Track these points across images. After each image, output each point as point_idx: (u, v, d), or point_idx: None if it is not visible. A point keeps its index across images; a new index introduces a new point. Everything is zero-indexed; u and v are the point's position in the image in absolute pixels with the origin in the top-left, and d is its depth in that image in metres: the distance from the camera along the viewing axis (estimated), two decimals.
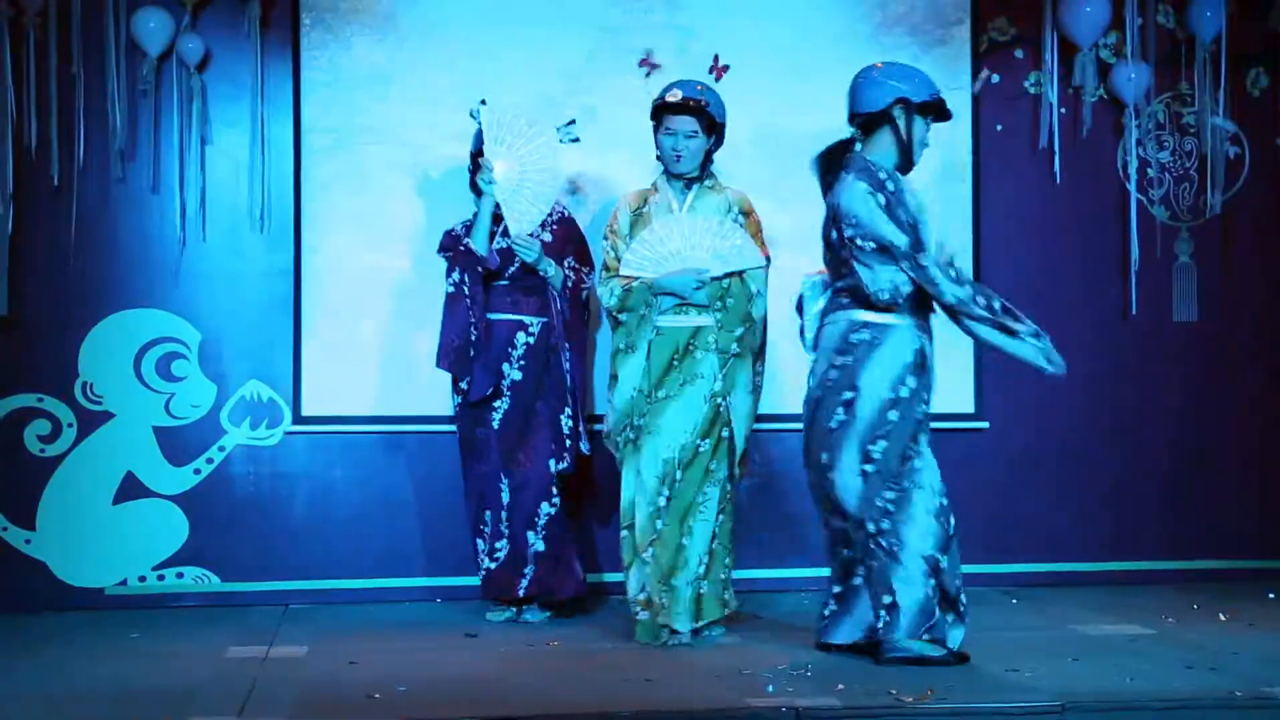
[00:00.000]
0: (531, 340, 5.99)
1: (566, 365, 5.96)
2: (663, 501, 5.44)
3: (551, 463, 5.98)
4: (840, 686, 4.65)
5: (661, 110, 5.57)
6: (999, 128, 6.94)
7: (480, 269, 5.90)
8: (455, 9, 6.57)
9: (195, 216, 6.44)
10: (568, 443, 6.00)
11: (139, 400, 6.37)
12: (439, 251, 6.06)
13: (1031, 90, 6.98)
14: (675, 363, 5.49)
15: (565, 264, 6.01)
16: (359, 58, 6.52)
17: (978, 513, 6.76)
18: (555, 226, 6.03)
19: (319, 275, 6.48)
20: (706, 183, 5.66)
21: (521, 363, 5.98)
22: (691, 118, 5.53)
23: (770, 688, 4.67)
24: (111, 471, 6.35)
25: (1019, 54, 6.97)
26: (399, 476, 6.52)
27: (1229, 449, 7.09)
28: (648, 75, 6.51)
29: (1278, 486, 7.13)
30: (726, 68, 6.21)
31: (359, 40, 6.52)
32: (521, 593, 5.94)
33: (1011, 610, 6.26)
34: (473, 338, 5.90)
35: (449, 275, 5.98)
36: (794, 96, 6.71)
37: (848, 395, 5.04)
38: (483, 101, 5.96)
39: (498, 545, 5.97)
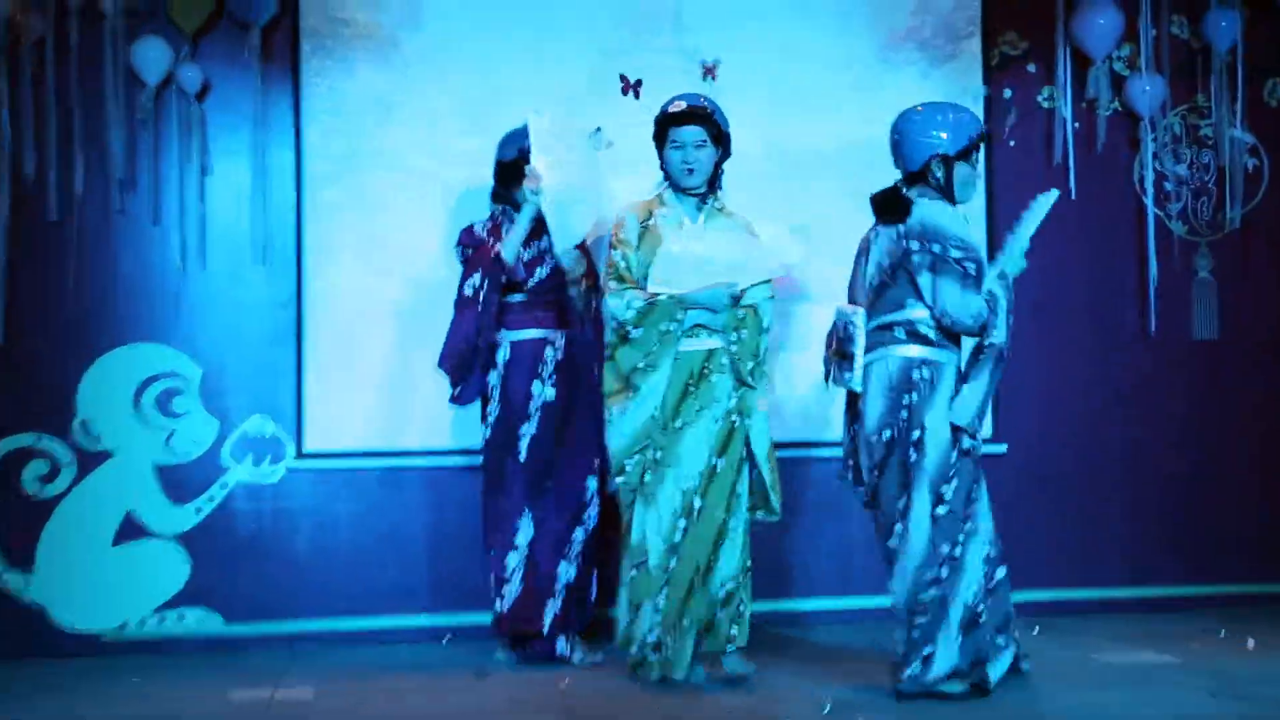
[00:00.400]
0: (560, 355, 5.85)
1: (599, 381, 5.71)
2: (678, 536, 5.26)
3: (591, 481, 5.84)
4: (860, 718, 4.64)
5: (666, 123, 5.43)
6: (1012, 143, 6.86)
7: (504, 278, 5.75)
8: (457, 33, 6.48)
9: (195, 247, 6.35)
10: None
11: (139, 437, 6.28)
12: (457, 246, 5.91)
13: (1045, 105, 6.90)
14: (691, 388, 5.32)
15: (583, 286, 5.94)
16: (360, 84, 6.44)
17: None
18: (577, 246, 5.91)
19: (322, 305, 6.40)
20: (715, 203, 5.52)
21: (553, 378, 5.83)
22: (699, 127, 5.39)
23: None
24: (111, 511, 6.25)
25: (1031, 68, 6.90)
26: (404, 511, 6.42)
27: (1255, 469, 7.00)
28: (635, 96, 6.25)
29: None
30: (717, 63, 5.99)
31: (360, 66, 6.44)
32: (545, 629, 5.78)
33: (1032, 639, 6.16)
34: (480, 345, 5.75)
35: (467, 278, 5.80)
36: (802, 117, 6.65)
37: (916, 435, 5.02)
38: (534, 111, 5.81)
39: (509, 587, 5.80)
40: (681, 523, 5.26)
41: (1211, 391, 6.97)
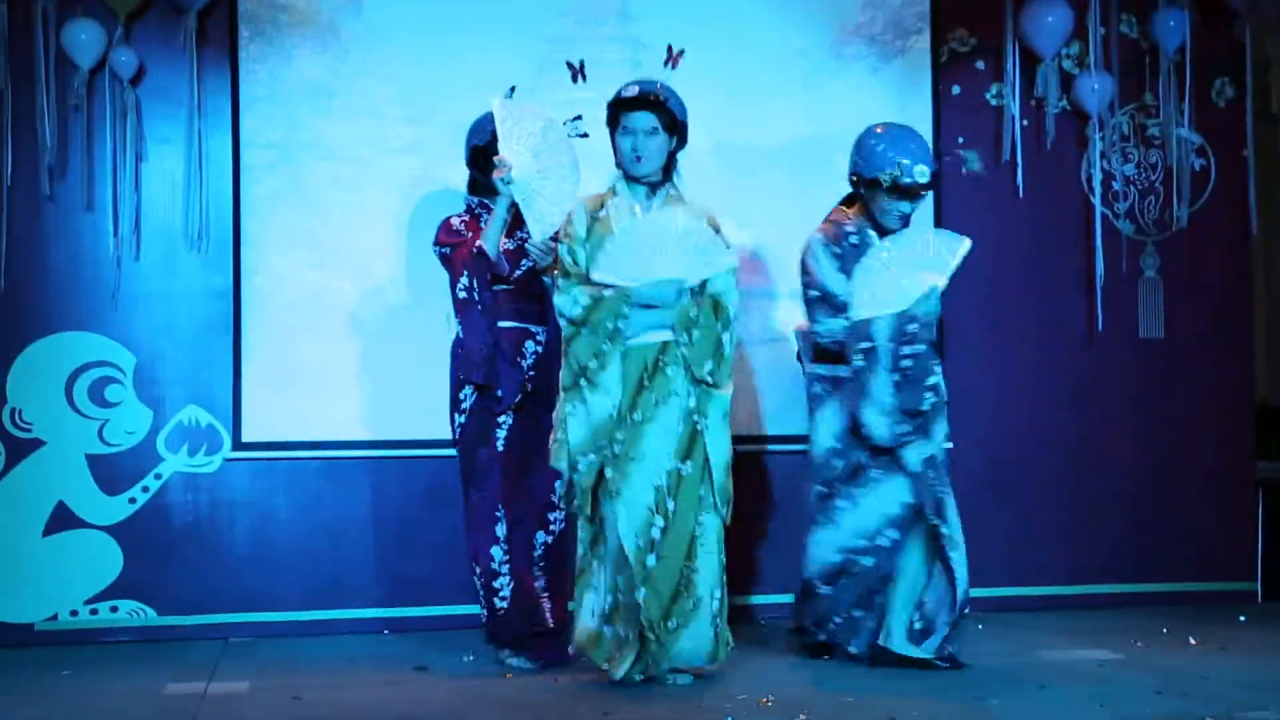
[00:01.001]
0: (541, 349, 5.67)
1: None
2: (657, 533, 5.06)
3: (559, 485, 5.48)
4: (801, 716, 4.58)
5: (617, 108, 5.23)
6: (960, 140, 6.83)
7: (488, 273, 5.55)
8: (399, 20, 6.40)
9: (129, 236, 6.24)
10: None
11: (71, 427, 6.17)
12: (435, 245, 5.70)
13: (993, 102, 6.88)
14: (646, 382, 5.14)
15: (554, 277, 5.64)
16: (300, 70, 6.35)
17: None
18: (552, 237, 5.58)
19: (259, 296, 6.30)
20: (670, 190, 5.31)
21: (532, 373, 5.64)
22: (650, 114, 5.18)
23: (729, 718, 4.58)
24: (42, 501, 6.13)
25: (980, 65, 6.88)
26: (344, 504, 6.34)
27: (1197, 469, 7.00)
28: (583, 79, 6.02)
29: (1248, 508, 7.04)
30: (682, 53, 5.62)
31: (299, 52, 6.35)
32: (551, 622, 5.58)
33: (977, 636, 6.14)
34: (498, 340, 5.57)
35: (457, 280, 5.57)
36: (751, 110, 6.60)
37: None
38: (512, 89, 5.65)
39: (502, 581, 5.57)
40: (659, 520, 5.06)
41: (1157, 390, 6.97)
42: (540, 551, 5.66)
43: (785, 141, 6.67)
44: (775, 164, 6.65)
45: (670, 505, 5.08)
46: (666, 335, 5.16)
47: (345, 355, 6.33)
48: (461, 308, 5.58)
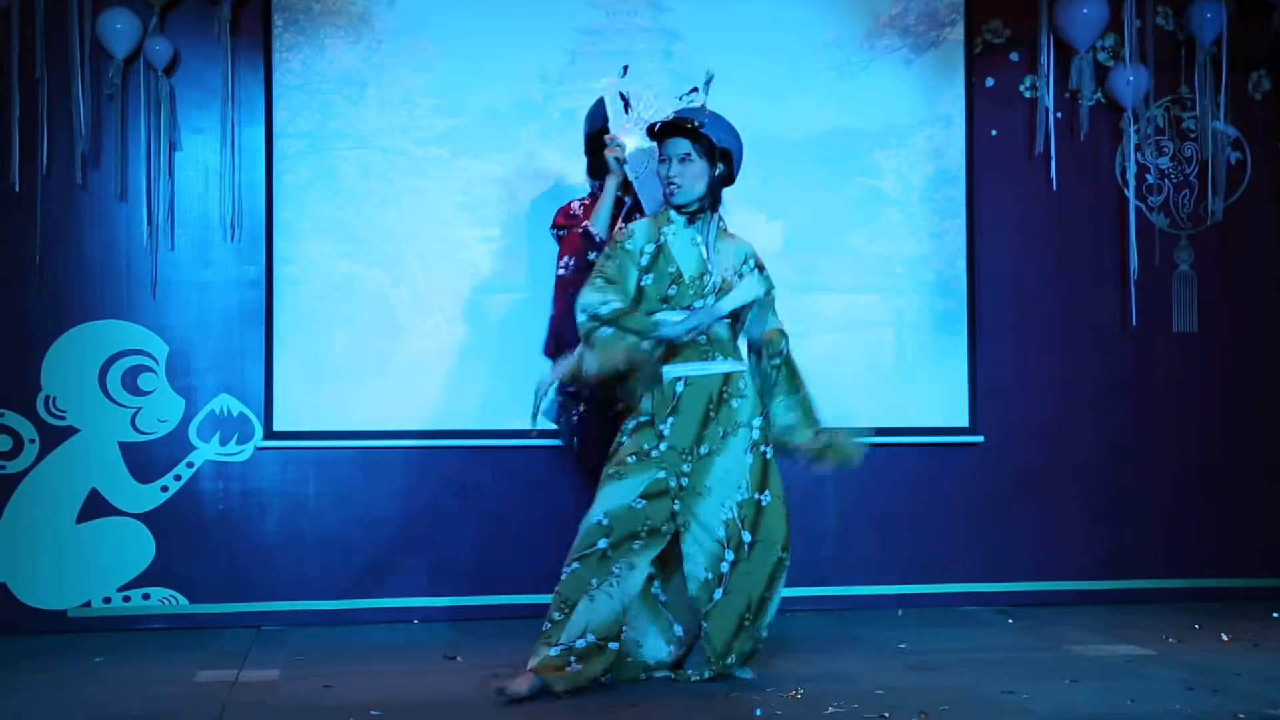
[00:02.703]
0: None
1: None
2: (725, 567, 4.96)
3: None
4: (830, 709, 4.56)
5: (656, 138, 5.07)
6: (994, 133, 6.81)
7: (593, 254, 5.40)
8: (431, 10, 6.41)
9: (163, 225, 6.27)
10: None
11: (104, 415, 6.19)
12: (551, 229, 5.68)
13: (1027, 94, 6.85)
14: (711, 414, 5.00)
15: None
16: (333, 60, 6.36)
17: (972, 529, 6.72)
18: None
19: (291, 285, 6.32)
20: (718, 223, 5.09)
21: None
22: (683, 140, 4.98)
23: (759, 710, 4.56)
24: (75, 489, 6.17)
25: (1014, 57, 6.84)
26: (375, 493, 6.35)
27: (1231, 464, 6.96)
28: (628, 111, 5.62)
29: None
30: (711, 77, 5.29)
31: (332, 42, 6.36)
32: None
33: (1007, 630, 6.16)
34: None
35: (561, 258, 5.53)
36: (784, 102, 6.58)
37: None
38: (625, 69, 5.59)
39: None
40: (729, 554, 4.96)
41: (1190, 384, 6.93)
42: None
43: (818, 133, 6.65)
44: (808, 156, 6.63)
45: (747, 537, 4.98)
46: (729, 366, 5.04)
47: (377, 345, 6.33)
48: (560, 286, 5.50)
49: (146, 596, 6.19)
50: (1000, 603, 6.67)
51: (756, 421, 5.04)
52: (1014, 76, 6.85)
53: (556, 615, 4.85)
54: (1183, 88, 6.95)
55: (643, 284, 5.00)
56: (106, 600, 6.17)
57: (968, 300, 6.74)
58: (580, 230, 5.49)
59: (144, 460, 6.22)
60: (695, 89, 5.33)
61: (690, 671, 5.05)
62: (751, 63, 6.56)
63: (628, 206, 5.56)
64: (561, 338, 5.44)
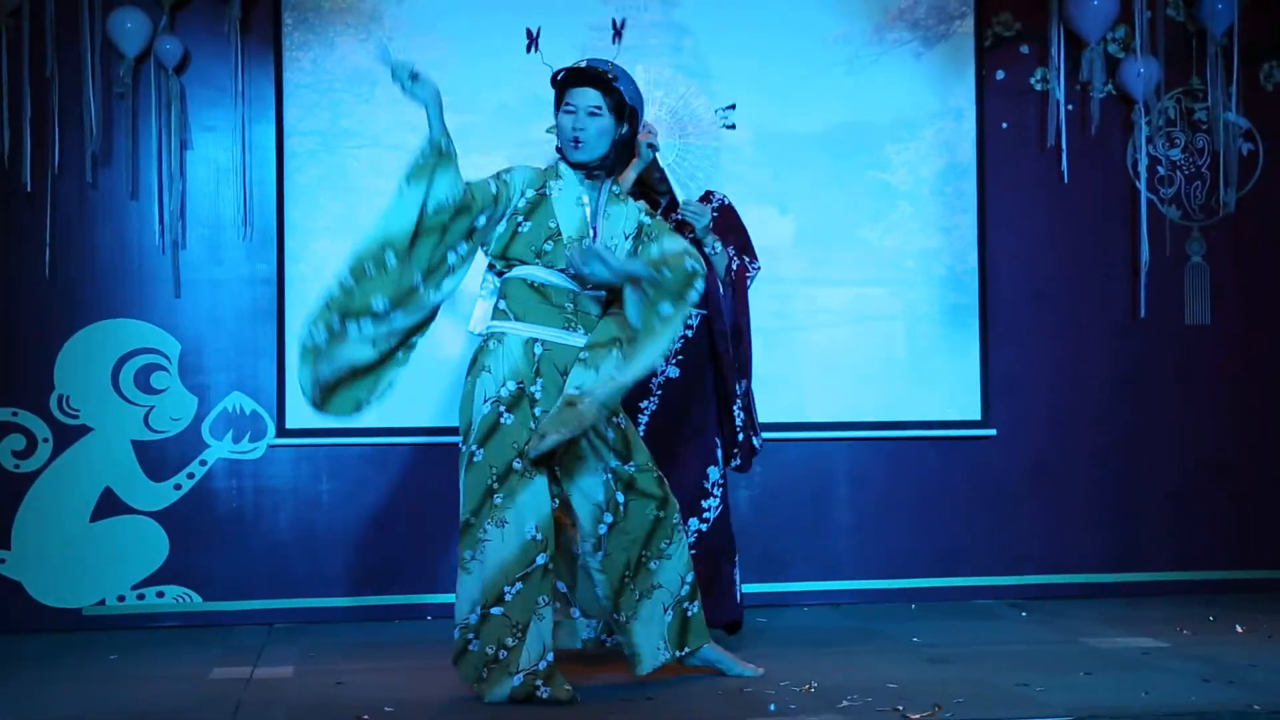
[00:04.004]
0: (689, 334, 5.38)
1: (730, 357, 5.39)
2: (604, 529, 4.78)
3: (713, 471, 5.41)
4: (844, 703, 4.56)
5: (562, 84, 4.73)
6: (1004, 125, 6.80)
7: None
8: (441, 8, 6.42)
9: (175, 223, 6.28)
10: (739, 436, 5.41)
11: (117, 413, 6.21)
12: None
13: (1037, 87, 6.84)
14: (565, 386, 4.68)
15: (728, 252, 5.46)
16: (343, 58, 6.37)
17: (985, 522, 6.72)
18: (715, 214, 5.46)
19: (303, 283, 6.32)
20: (614, 187, 4.84)
21: (679, 358, 5.41)
22: (595, 91, 4.68)
23: (773, 705, 4.55)
24: (89, 487, 6.19)
25: (1024, 49, 6.83)
26: (387, 490, 6.37)
27: (1245, 455, 6.95)
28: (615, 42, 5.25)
29: None
30: (624, 22, 5.07)
31: (342, 41, 6.37)
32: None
33: (1021, 623, 6.16)
34: None
35: None
36: (794, 96, 6.57)
37: None
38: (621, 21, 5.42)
39: None
40: (608, 516, 4.78)
41: (1202, 377, 6.92)
42: (693, 539, 5.31)
43: (828, 127, 6.65)
44: (818, 150, 6.63)
45: (620, 498, 4.77)
46: (582, 339, 4.71)
47: None
48: None
49: (160, 594, 6.21)
50: (1014, 595, 6.66)
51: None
52: (1024, 69, 6.83)
53: (509, 640, 4.61)
54: (1194, 79, 6.93)
55: (519, 230, 4.69)
56: (121, 598, 6.19)
57: (979, 293, 6.73)
58: None
59: (157, 458, 6.23)
60: (733, 105, 5.29)
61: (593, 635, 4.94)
62: (761, 57, 6.56)
63: (663, 206, 5.45)
64: None
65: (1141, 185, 6.87)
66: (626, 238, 4.79)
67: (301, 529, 6.31)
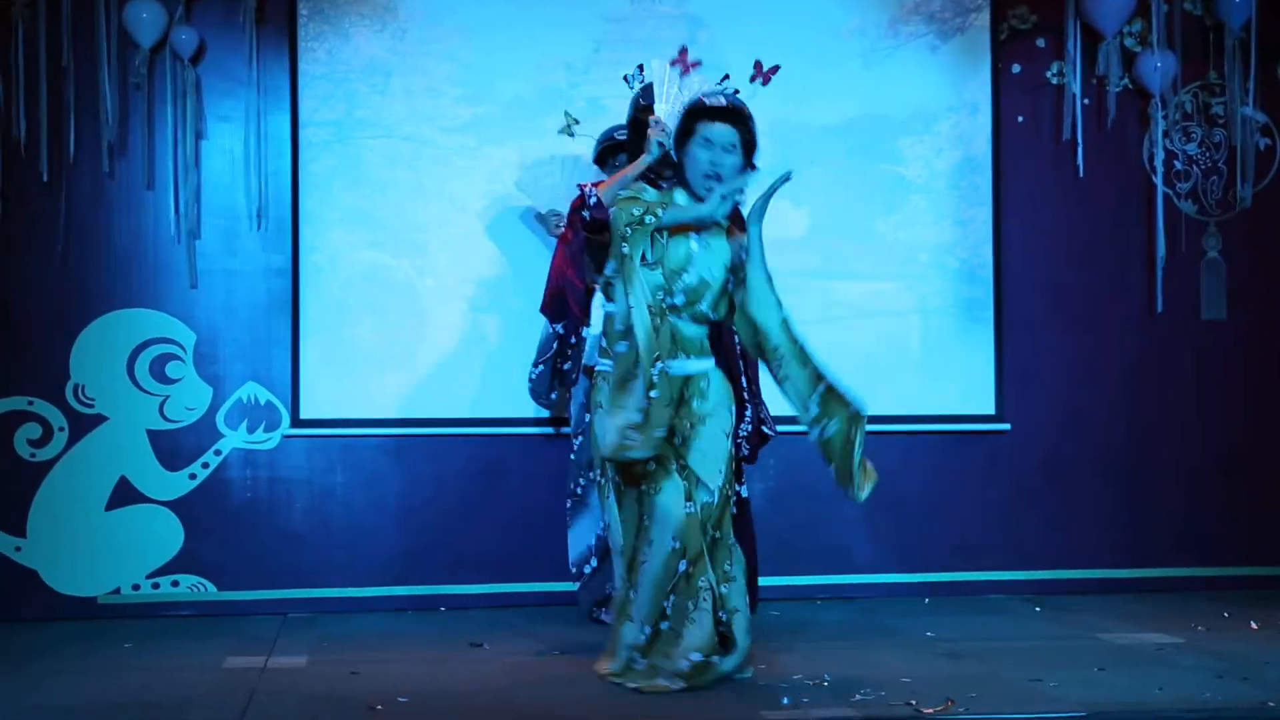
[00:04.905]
0: None
1: (737, 346, 5.33)
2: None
3: None
4: (857, 697, 4.57)
5: (698, 117, 4.79)
6: (1020, 119, 6.78)
7: (588, 214, 5.31)
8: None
9: (190, 213, 6.28)
10: (746, 428, 5.36)
11: (132, 403, 6.22)
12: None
13: (1054, 80, 6.82)
14: (678, 407, 4.79)
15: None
16: (358, 49, 6.37)
17: (999, 517, 6.71)
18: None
19: (318, 273, 6.33)
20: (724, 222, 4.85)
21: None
22: (734, 128, 4.76)
23: (785, 699, 4.56)
24: (104, 476, 6.20)
25: (1040, 43, 6.80)
26: (401, 481, 6.37)
27: (1260, 451, 6.93)
28: (681, 74, 5.33)
29: None
30: (776, 69, 5.22)
31: (357, 31, 6.37)
32: None
33: (1035, 618, 6.15)
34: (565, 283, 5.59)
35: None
36: (809, 89, 6.54)
37: None
38: (640, 67, 5.43)
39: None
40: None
41: (1217, 372, 6.90)
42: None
43: (843, 120, 6.63)
44: (833, 143, 6.61)
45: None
46: (693, 367, 4.82)
47: (403, 333, 6.35)
48: (557, 244, 5.66)
49: (175, 583, 6.22)
50: (1027, 591, 6.64)
51: (726, 411, 4.87)
52: (1040, 63, 6.81)
53: (672, 648, 4.72)
54: (1211, 73, 6.90)
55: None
56: (136, 587, 6.20)
57: (993, 287, 6.72)
58: (580, 188, 5.46)
59: (172, 448, 6.24)
60: (727, 75, 5.29)
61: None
62: (776, 50, 6.40)
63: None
64: (562, 291, 5.60)
65: (1158, 180, 6.84)
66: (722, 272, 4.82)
67: (316, 519, 6.32)
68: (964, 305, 6.71)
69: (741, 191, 4.77)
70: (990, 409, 6.72)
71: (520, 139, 6.37)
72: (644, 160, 5.32)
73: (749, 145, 4.82)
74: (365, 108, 6.36)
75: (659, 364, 4.64)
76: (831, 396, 4.72)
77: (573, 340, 5.71)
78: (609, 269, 4.90)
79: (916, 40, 6.69)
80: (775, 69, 5.19)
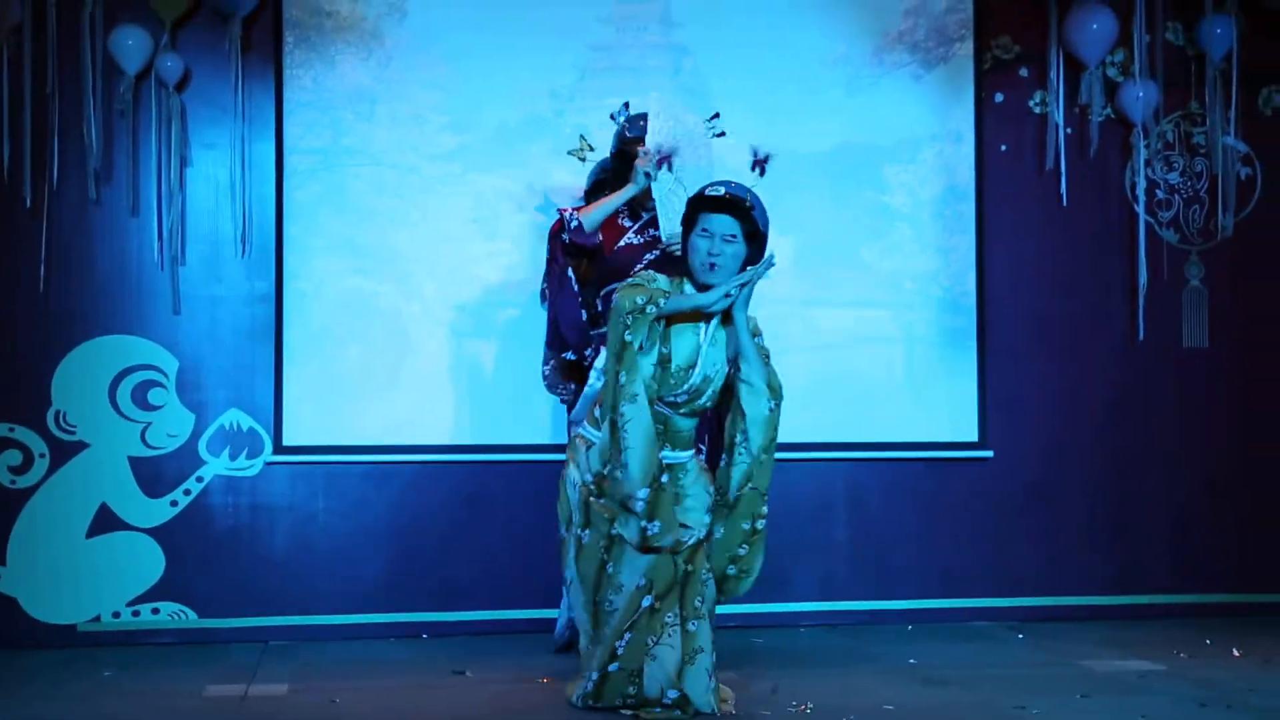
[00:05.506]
0: None
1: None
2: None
3: None
4: None
5: (699, 207, 4.77)
6: (1003, 148, 6.81)
7: (566, 236, 5.41)
8: (442, 27, 6.41)
9: (174, 240, 6.27)
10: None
11: (114, 430, 6.20)
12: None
13: (1036, 110, 6.85)
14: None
15: None
16: (343, 77, 6.37)
17: (981, 545, 6.72)
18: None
19: (301, 300, 6.32)
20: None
21: None
22: (733, 219, 4.71)
23: None
24: (85, 503, 6.17)
25: (1024, 73, 6.83)
26: (384, 508, 6.35)
27: (1243, 478, 6.94)
28: (759, 174, 5.57)
29: None
30: (768, 158, 5.51)
31: (343, 59, 6.37)
32: None
33: (1018, 645, 6.15)
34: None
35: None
36: (794, 117, 6.57)
37: None
38: (625, 105, 5.65)
39: None
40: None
41: (1199, 399, 6.92)
42: None
43: (828, 149, 6.65)
44: (818, 171, 6.63)
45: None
46: (674, 457, 4.81)
47: (386, 360, 6.34)
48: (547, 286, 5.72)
49: (156, 611, 6.19)
50: (1010, 618, 6.64)
51: (703, 490, 4.86)
52: (1023, 92, 6.84)
53: (630, 690, 4.70)
54: (1193, 103, 6.94)
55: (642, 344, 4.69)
56: (116, 615, 6.17)
57: (977, 315, 6.73)
58: (560, 212, 5.51)
59: (154, 475, 6.22)
60: (717, 114, 5.32)
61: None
62: (761, 78, 6.57)
63: (645, 220, 5.60)
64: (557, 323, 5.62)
65: (1140, 208, 6.87)
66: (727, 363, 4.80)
67: (298, 546, 6.29)
68: (948, 333, 6.72)
69: (750, 285, 4.72)
70: (974, 436, 6.72)
71: (506, 167, 6.38)
72: (628, 190, 5.39)
73: (752, 235, 4.75)
74: (350, 135, 6.36)
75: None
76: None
77: (584, 363, 5.66)
78: (601, 361, 4.92)
79: (900, 69, 6.72)
80: (768, 158, 5.44)
